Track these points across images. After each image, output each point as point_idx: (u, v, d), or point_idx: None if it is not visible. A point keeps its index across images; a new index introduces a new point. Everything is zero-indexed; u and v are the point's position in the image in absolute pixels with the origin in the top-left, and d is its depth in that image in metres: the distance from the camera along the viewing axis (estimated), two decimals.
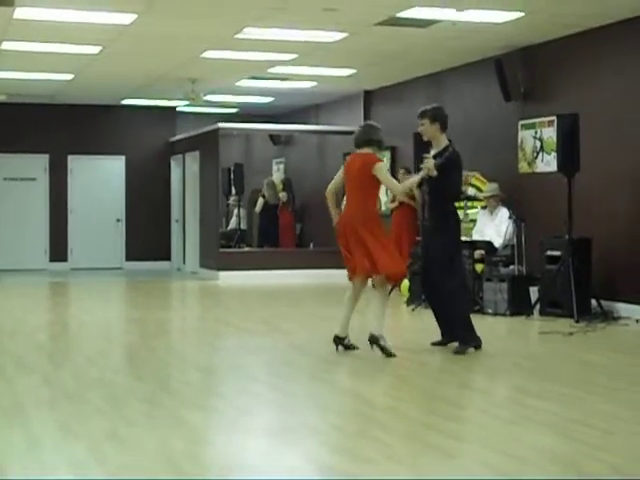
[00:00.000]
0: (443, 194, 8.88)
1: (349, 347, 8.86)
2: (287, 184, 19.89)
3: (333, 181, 9.08)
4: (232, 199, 20.51)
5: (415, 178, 8.96)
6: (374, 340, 8.60)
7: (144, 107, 20.75)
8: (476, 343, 8.93)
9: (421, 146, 13.53)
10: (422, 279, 9.39)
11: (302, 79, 16.67)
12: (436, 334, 9.28)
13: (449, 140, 8.95)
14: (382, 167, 8.76)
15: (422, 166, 8.75)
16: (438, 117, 8.94)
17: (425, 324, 10.47)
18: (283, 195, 19.55)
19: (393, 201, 14.98)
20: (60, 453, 5.22)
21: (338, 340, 8.85)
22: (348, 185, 8.91)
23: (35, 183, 20.63)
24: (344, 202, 9.45)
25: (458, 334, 8.97)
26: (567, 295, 10.99)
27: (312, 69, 15.52)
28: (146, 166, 21.20)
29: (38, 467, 4.94)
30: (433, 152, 8.91)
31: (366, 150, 8.83)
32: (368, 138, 8.87)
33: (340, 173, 9.01)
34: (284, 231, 19.58)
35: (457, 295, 8.95)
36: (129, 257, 21.06)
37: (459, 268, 9.17)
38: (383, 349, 8.56)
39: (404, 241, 14.35)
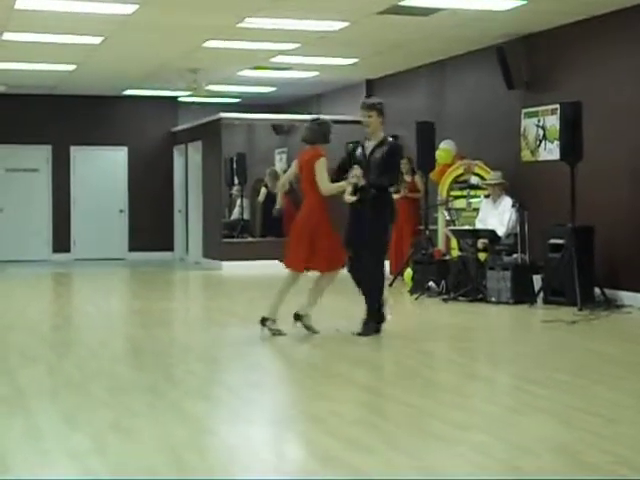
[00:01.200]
0: (383, 182, 9.19)
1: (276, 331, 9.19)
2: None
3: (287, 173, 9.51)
4: (235, 189, 20.49)
5: (344, 184, 9.20)
6: (298, 318, 9.19)
7: (146, 97, 20.72)
8: (379, 320, 9.16)
9: (424, 135, 13.66)
10: (352, 265, 9.41)
11: (304, 69, 16.64)
12: (441, 322, 9.30)
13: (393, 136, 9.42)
14: (322, 163, 9.16)
15: (352, 175, 9.10)
16: (383, 112, 9.40)
17: (429, 313, 10.48)
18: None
19: (397, 192, 14.96)
20: (62, 443, 5.22)
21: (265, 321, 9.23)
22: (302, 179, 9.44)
23: (37, 174, 20.63)
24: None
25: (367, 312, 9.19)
26: (570, 283, 10.98)
27: (314, 58, 15.48)
28: (148, 156, 21.19)
29: (40, 457, 4.94)
30: (372, 144, 9.28)
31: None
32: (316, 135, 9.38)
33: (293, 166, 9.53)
34: (289, 221, 19.50)
35: (376, 274, 9.20)
36: (132, 248, 21.07)
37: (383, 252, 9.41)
38: (309, 328, 9.12)
39: (405, 231, 14.36)
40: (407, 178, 14.70)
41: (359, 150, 9.41)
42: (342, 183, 9.20)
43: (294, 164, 9.49)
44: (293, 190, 19.56)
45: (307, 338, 9.10)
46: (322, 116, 9.86)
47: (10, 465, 4.79)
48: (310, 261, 9.15)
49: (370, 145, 9.30)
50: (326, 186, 9.17)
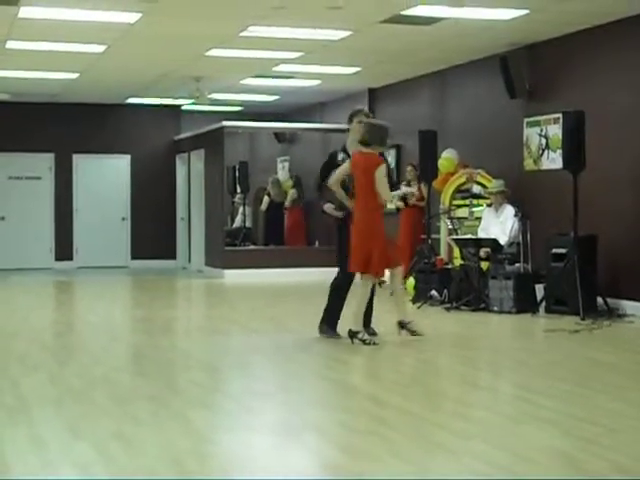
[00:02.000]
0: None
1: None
2: (297, 182, 19.88)
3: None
4: (237, 197, 20.52)
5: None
6: (403, 326, 9.16)
7: (149, 106, 20.76)
8: (331, 335, 9.39)
9: (426, 143, 13.66)
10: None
11: (307, 77, 16.67)
12: (443, 331, 9.32)
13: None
14: (382, 171, 9.02)
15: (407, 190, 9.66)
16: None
17: (431, 321, 10.48)
18: (293, 192, 19.55)
19: (404, 201, 14.92)
20: (65, 453, 5.22)
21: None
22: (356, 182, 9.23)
23: (40, 182, 20.65)
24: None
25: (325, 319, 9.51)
26: (573, 293, 10.97)
27: (317, 67, 15.51)
28: (151, 165, 21.21)
29: (42, 466, 4.94)
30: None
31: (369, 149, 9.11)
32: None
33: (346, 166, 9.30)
34: (294, 229, 19.59)
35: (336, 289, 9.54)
36: (134, 256, 21.08)
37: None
38: (364, 341, 8.94)
39: (408, 240, 14.34)
40: (414, 186, 14.50)
41: (340, 155, 9.47)
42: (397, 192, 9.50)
43: (347, 163, 9.28)
44: (300, 199, 19.65)
45: (310, 346, 9.10)
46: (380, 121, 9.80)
47: (14, 474, 4.79)
48: (370, 264, 9.05)
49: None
50: (389, 195, 9.15)
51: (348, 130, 9.53)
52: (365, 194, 9.03)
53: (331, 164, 9.56)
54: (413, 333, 9.19)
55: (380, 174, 8.94)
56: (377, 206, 9.07)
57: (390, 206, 9.38)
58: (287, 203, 19.53)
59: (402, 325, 9.23)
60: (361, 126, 9.23)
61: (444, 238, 14.00)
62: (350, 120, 9.45)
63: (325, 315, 9.54)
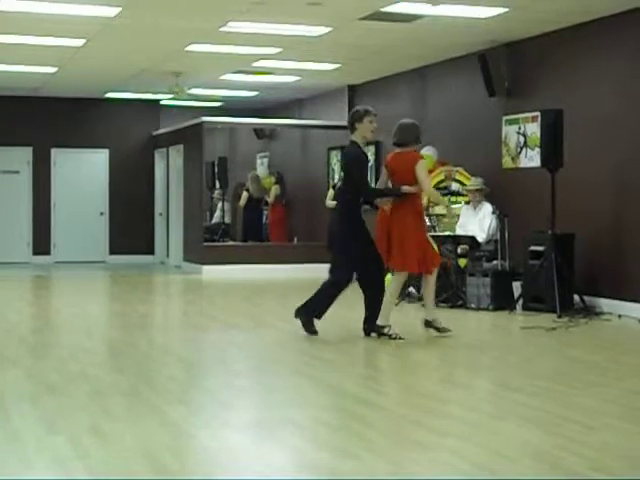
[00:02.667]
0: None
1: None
2: (279, 178, 19.88)
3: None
4: (216, 193, 20.48)
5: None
6: (429, 324, 9.40)
7: (128, 100, 20.69)
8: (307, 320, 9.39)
9: None
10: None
11: (286, 73, 16.66)
12: (420, 327, 9.36)
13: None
14: (422, 164, 9.26)
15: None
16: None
17: (408, 318, 10.49)
18: (276, 188, 19.53)
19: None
20: (41, 447, 5.20)
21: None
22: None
23: (18, 176, 20.56)
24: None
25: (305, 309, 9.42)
26: (550, 290, 11.02)
27: (296, 63, 15.50)
28: (130, 159, 21.16)
29: (18, 461, 4.92)
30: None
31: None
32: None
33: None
34: (275, 225, 19.59)
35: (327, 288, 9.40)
36: (112, 251, 21.02)
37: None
38: (390, 336, 9.10)
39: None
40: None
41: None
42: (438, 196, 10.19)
43: (383, 173, 9.54)
44: (282, 195, 19.64)
45: (288, 343, 9.10)
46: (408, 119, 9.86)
47: None
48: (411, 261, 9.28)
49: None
50: (429, 187, 9.39)
51: (353, 128, 9.46)
52: (407, 195, 9.16)
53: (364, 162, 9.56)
54: (439, 330, 9.33)
55: (420, 167, 9.13)
56: (419, 204, 9.32)
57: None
58: (270, 199, 19.52)
59: (428, 323, 9.39)
60: (373, 125, 9.43)
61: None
62: (359, 119, 9.44)
63: (309, 303, 9.41)
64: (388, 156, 9.59)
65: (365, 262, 9.31)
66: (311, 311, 9.39)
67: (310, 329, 9.34)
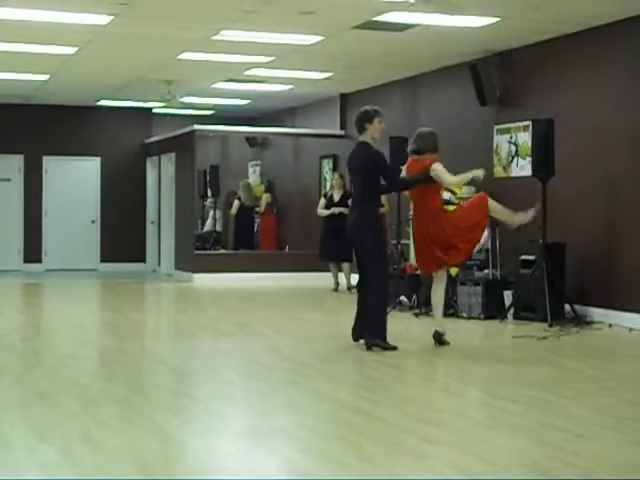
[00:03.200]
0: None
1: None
2: (270, 186, 19.89)
3: None
4: (208, 201, 20.47)
5: (467, 176, 9.77)
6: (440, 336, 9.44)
7: (120, 108, 20.68)
8: (383, 344, 9.08)
9: (397, 150, 13.69)
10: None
11: (279, 82, 16.67)
12: (412, 337, 9.37)
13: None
14: (438, 164, 9.42)
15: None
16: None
17: (400, 327, 10.49)
18: (267, 196, 19.54)
19: None
20: (31, 455, 5.19)
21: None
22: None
23: (9, 184, 20.53)
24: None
25: (369, 326, 9.19)
26: (541, 299, 11.03)
27: (288, 72, 15.52)
28: (121, 167, 21.14)
29: (8, 469, 4.91)
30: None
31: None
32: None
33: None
34: (266, 234, 19.59)
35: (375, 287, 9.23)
36: (104, 259, 20.99)
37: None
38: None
39: None
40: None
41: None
42: (466, 175, 9.69)
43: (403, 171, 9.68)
44: (273, 203, 19.66)
45: (279, 351, 9.10)
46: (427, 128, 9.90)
47: None
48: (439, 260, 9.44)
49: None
50: (454, 180, 9.63)
51: (363, 129, 9.43)
52: (425, 196, 9.40)
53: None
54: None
55: (437, 167, 9.29)
56: (437, 205, 9.50)
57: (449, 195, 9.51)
58: (261, 207, 19.52)
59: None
60: (382, 126, 9.48)
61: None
62: (369, 120, 9.42)
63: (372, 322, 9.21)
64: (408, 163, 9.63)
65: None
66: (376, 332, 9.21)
67: (389, 347, 9.13)
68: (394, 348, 9.00)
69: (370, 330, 9.08)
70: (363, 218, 9.29)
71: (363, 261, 9.32)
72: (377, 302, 9.14)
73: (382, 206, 15.06)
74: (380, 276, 9.23)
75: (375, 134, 9.46)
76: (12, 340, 10.04)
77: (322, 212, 15.65)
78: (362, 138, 9.46)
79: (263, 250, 19.20)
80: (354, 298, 9.83)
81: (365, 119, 9.43)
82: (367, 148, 9.38)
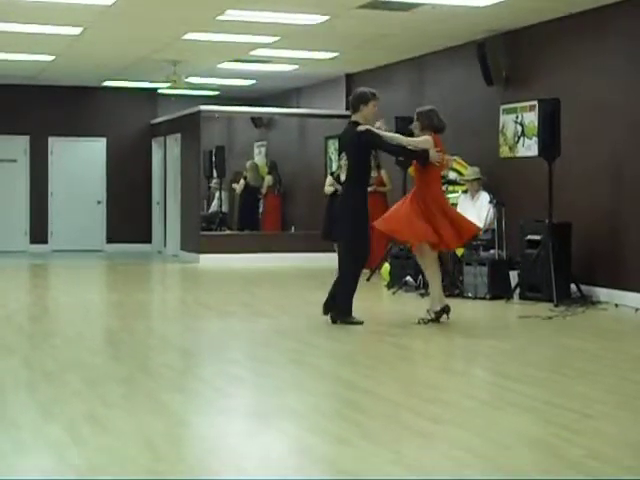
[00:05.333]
0: None
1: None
2: (273, 167, 19.86)
3: None
4: (213, 182, 20.46)
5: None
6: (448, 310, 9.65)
7: (125, 89, 20.66)
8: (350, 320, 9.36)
9: (402, 130, 13.65)
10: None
11: (284, 62, 16.63)
12: (417, 316, 9.39)
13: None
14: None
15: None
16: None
17: (406, 307, 10.51)
18: (269, 178, 19.52)
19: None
20: (38, 435, 5.21)
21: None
22: None
23: (15, 165, 20.53)
24: None
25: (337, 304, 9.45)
26: (547, 279, 11.02)
27: (294, 52, 15.48)
28: (127, 148, 21.14)
29: (16, 448, 4.93)
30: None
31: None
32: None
33: None
34: (270, 214, 19.58)
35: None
36: (110, 239, 21.02)
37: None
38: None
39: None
40: (374, 173, 14.74)
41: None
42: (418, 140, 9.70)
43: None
44: (276, 184, 19.63)
45: (284, 331, 9.11)
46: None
47: None
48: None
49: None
50: (409, 141, 9.68)
51: (357, 109, 9.50)
52: (425, 182, 9.49)
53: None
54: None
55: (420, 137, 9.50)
56: (436, 192, 9.60)
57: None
58: (263, 189, 19.50)
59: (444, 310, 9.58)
60: (375, 109, 9.56)
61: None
62: (365, 102, 9.48)
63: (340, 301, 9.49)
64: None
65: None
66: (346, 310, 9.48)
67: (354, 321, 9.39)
68: (360, 323, 9.28)
69: (338, 310, 9.39)
70: (346, 200, 9.58)
71: (339, 241, 9.68)
72: (345, 286, 9.40)
73: (384, 185, 15.24)
74: (350, 259, 9.43)
75: (368, 116, 9.56)
76: (19, 320, 10.07)
77: (328, 189, 15.60)
78: (354, 118, 9.57)
79: (265, 231, 19.19)
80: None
81: (362, 100, 9.52)
82: (356, 127, 9.44)
